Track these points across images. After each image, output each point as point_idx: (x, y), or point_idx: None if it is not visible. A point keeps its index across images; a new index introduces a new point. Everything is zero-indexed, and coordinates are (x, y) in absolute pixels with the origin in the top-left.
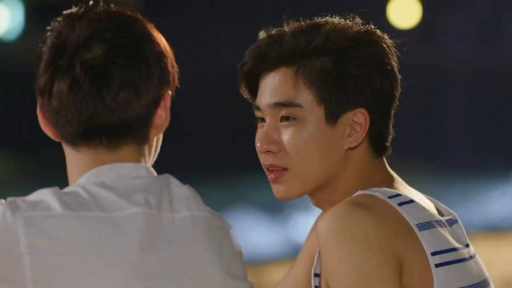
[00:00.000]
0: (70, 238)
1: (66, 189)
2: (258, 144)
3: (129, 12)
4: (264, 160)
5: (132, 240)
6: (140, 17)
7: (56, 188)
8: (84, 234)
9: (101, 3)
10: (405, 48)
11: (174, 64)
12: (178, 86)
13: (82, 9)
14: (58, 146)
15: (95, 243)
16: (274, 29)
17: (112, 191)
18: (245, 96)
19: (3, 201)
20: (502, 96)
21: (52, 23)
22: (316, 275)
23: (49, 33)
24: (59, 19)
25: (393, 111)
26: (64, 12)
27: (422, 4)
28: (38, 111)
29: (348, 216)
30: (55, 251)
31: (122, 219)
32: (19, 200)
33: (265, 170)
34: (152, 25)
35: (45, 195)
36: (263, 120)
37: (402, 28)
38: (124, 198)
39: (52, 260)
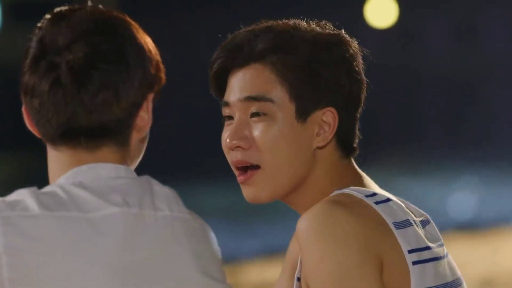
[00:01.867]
0: (48, 238)
1: (45, 189)
2: (228, 140)
3: (115, 13)
4: (233, 156)
5: (110, 241)
6: (127, 18)
7: (34, 188)
8: (62, 234)
9: (89, 3)
10: (368, 53)
11: (160, 66)
12: (164, 84)
13: (70, 9)
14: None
15: (73, 243)
16: (246, 27)
17: (90, 191)
18: (213, 94)
19: None
20: (478, 96)
21: (40, 21)
22: (299, 279)
23: (35, 31)
24: (47, 16)
25: (359, 114)
26: (53, 10)
27: (399, 4)
28: (23, 109)
29: (327, 215)
30: (33, 251)
31: (100, 220)
32: None
33: (234, 169)
34: (138, 26)
35: (23, 195)
36: (230, 117)
37: (379, 28)
38: (102, 198)
39: (30, 260)
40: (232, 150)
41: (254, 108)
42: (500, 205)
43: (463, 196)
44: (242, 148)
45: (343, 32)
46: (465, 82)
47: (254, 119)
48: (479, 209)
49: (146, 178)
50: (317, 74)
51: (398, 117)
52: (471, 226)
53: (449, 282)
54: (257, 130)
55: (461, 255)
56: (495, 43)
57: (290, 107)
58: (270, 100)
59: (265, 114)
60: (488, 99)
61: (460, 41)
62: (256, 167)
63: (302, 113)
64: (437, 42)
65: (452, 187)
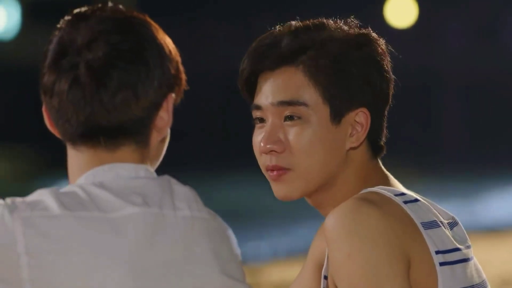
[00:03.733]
0: (68, 238)
1: (65, 189)
2: (262, 144)
3: (135, 14)
4: (267, 161)
5: (129, 240)
6: (147, 18)
7: (54, 188)
8: (82, 235)
9: (109, 3)
10: (396, 52)
11: (180, 67)
12: (186, 88)
13: (90, 9)
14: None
15: (93, 243)
16: (272, 29)
17: (110, 191)
18: (243, 97)
19: (1, 201)
20: (497, 96)
21: (60, 22)
22: (326, 277)
23: (55, 32)
24: (66, 18)
25: (386, 112)
26: (73, 11)
27: (418, 4)
28: (43, 110)
29: (356, 212)
30: (53, 251)
31: (120, 220)
32: (18, 200)
33: (264, 170)
34: (158, 26)
35: (43, 195)
36: (262, 120)
37: (399, 28)
38: (122, 198)
39: (49, 260)
40: (266, 153)
41: (287, 111)
42: None
43: (483, 198)
44: (276, 152)
45: (370, 30)
46: (485, 83)
47: (288, 122)
48: (499, 210)
49: (166, 178)
50: (348, 74)
51: (416, 117)
52: (491, 227)
53: (476, 284)
54: (292, 134)
55: (481, 255)
56: None
57: (324, 110)
58: (304, 104)
59: (299, 118)
60: (508, 99)
61: (480, 42)
62: (288, 169)
63: (337, 115)
64: (457, 42)
65: (472, 188)
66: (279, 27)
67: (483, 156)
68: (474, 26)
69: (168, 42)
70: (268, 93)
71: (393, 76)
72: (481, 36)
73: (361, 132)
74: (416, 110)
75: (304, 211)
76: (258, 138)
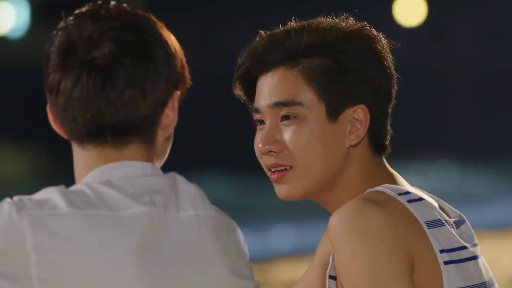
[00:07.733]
0: (76, 237)
1: (72, 188)
2: (260, 145)
3: (140, 12)
4: (267, 160)
5: (137, 239)
6: (151, 16)
7: (62, 187)
8: (90, 233)
9: (113, 2)
10: (399, 45)
11: (185, 64)
12: (190, 85)
13: (92, 8)
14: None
15: (101, 241)
16: (269, 30)
17: (118, 190)
18: (241, 99)
19: (9, 200)
20: (507, 96)
21: (61, 23)
22: (332, 277)
23: (58, 33)
24: (69, 18)
25: (390, 110)
26: (75, 11)
27: (427, 2)
28: (48, 109)
29: (360, 212)
30: (61, 250)
31: (128, 218)
32: (25, 198)
33: (267, 171)
34: (163, 25)
35: (51, 194)
36: (262, 122)
37: (408, 27)
38: (130, 197)
39: (58, 258)
40: (265, 154)
41: (284, 112)
42: None
43: (492, 196)
44: (275, 152)
45: (368, 26)
46: (495, 82)
47: (285, 122)
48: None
49: (172, 175)
50: (345, 71)
51: (425, 117)
52: (499, 225)
53: (483, 282)
54: (288, 133)
55: (489, 254)
56: None
57: (320, 108)
58: (299, 104)
59: (295, 117)
60: None
61: (489, 40)
62: (289, 167)
63: (333, 112)
64: (466, 41)
65: (482, 187)
66: (264, 32)
67: (493, 155)
68: (483, 24)
69: (172, 40)
70: (265, 95)
71: (395, 73)
72: (490, 35)
73: (360, 129)
74: (425, 109)
75: (313, 208)
76: (258, 140)
